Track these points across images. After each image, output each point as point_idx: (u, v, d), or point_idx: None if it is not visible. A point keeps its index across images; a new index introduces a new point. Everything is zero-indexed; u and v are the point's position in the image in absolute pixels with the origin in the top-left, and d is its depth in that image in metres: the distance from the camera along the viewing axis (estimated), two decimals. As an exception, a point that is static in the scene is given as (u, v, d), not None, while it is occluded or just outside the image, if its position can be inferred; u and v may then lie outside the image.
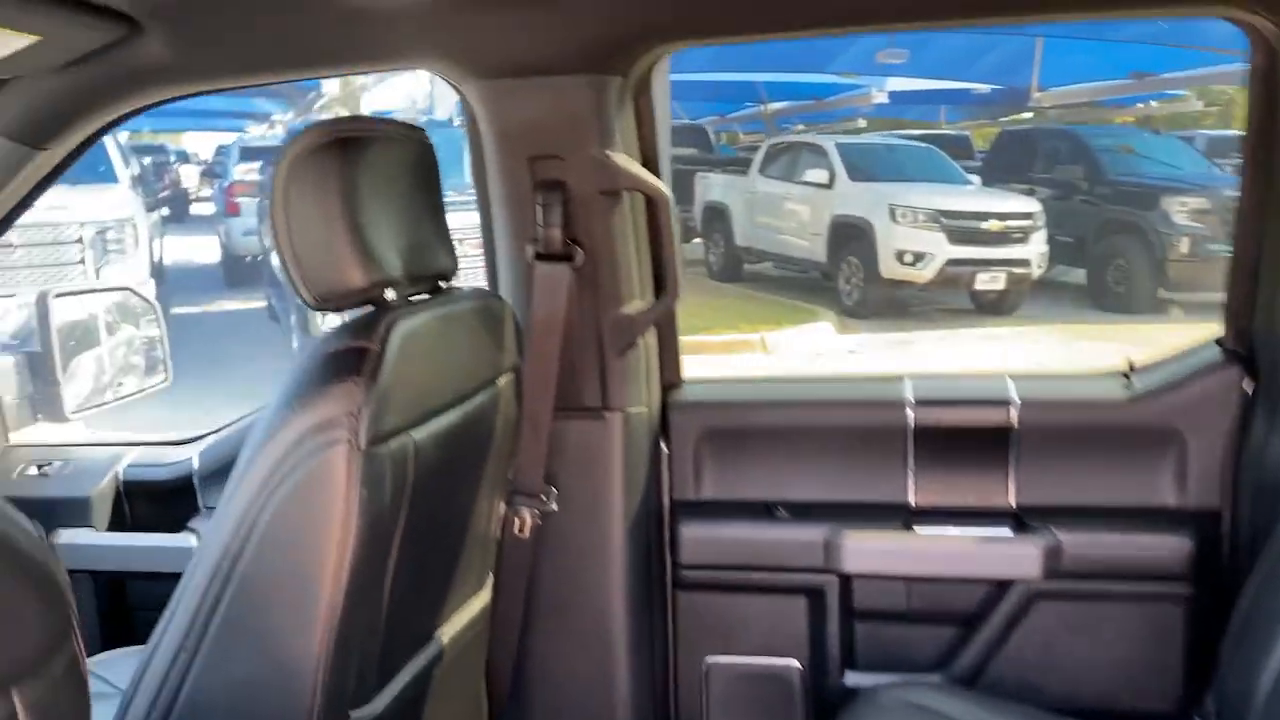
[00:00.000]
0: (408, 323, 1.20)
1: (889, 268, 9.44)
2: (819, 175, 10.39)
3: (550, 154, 1.56)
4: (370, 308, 1.24)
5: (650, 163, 1.66)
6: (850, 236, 9.77)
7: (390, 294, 1.24)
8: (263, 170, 10.21)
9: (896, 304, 9.64)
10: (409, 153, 1.32)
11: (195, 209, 18.16)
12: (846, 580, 1.70)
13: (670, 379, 1.78)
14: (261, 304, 9.62)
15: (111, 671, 1.67)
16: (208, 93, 1.69)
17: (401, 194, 1.28)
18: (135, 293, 2.20)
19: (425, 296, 1.35)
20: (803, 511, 1.72)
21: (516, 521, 1.62)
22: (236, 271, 11.10)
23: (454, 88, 1.61)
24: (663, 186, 1.61)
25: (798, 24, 1.55)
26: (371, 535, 1.14)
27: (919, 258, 9.33)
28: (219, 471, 1.87)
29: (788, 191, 10.78)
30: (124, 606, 1.90)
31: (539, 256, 1.59)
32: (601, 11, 1.46)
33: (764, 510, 1.73)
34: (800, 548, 1.68)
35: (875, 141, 11.45)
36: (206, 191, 17.84)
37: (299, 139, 1.18)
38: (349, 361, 1.13)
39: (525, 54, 1.51)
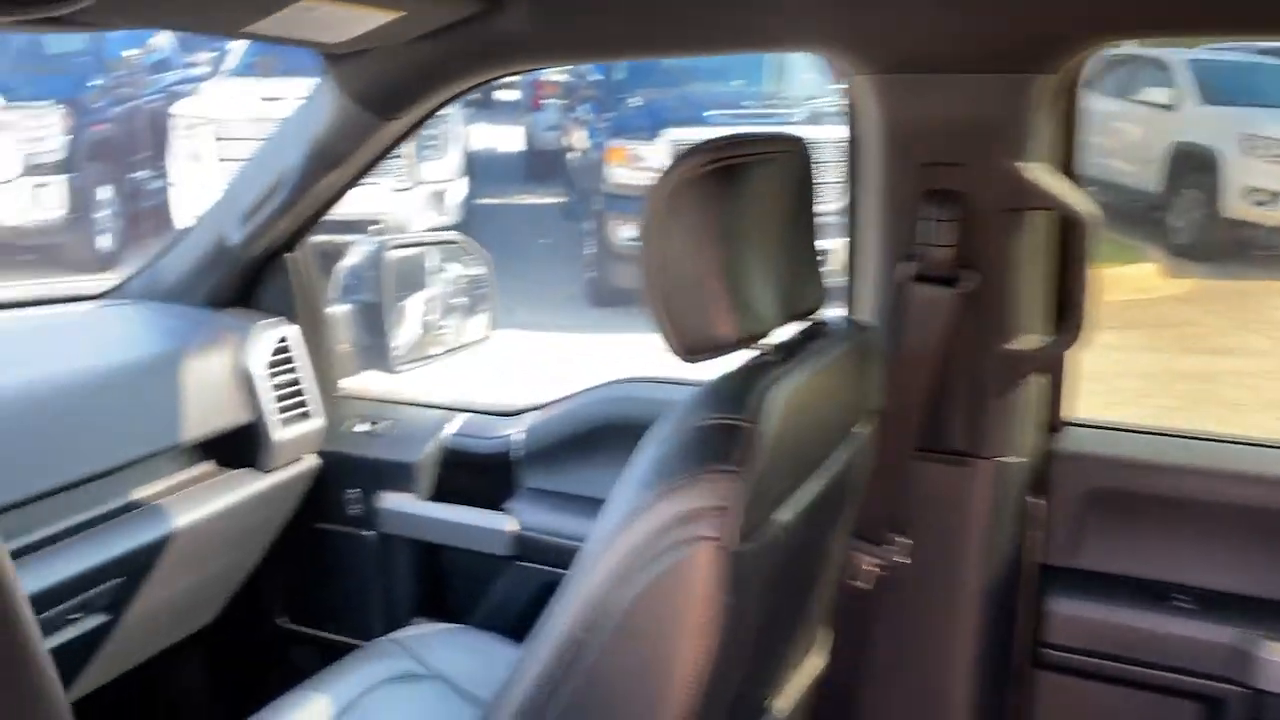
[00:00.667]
0: (784, 386, 1.01)
1: (1234, 205, 8.32)
2: (1161, 94, 9.24)
3: (949, 161, 1.31)
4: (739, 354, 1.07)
5: (1071, 174, 1.37)
6: (1191, 167, 8.68)
7: (764, 343, 1.07)
8: (571, 72, 10.26)
9: (1235, 246, 8.51)
10: (789, 171, 1.12)
11: (500, 94, 18.77)
12: (1257, 693, 1.40)
13: (1054, 422, 1.51)
14: (558, 200, 9.83)
15: (425, 649, 1.65)
16: (557, 66, 1.55)
17: (780, 225, 1.09)
18: (465, 241, 2.15)
19: (797, 335, 1.16)
20: (1208, 602, 1.42)
21: (859, 570, 1.44)
22: (538, 165, 11.35)
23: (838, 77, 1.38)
24: (1087, 206, 1.32)
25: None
26: (729, 635, 0.99)
27: (1274, 197, 8.17)
28: (541, 452, 1.79)
29: (1120, 110, 9.68)
30: (437, 577, 1.89)
31: (919, 278, 1.36)
32: (1034, 1, 1.18)
33: (1157, 593, 1.45)
34: (1201, 649, 1.40)
35: (1234, 60, 10.03)
36: (509, 80, 18.31)
37: (676, 167, 1.00)
38: (720, 442, 0.96)
39: (934, 48, 1.25)
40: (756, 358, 1.07)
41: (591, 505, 1.75)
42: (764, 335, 1.07)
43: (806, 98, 7.29)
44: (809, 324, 1.18)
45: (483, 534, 1.77)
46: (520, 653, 1.63)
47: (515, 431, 1.83)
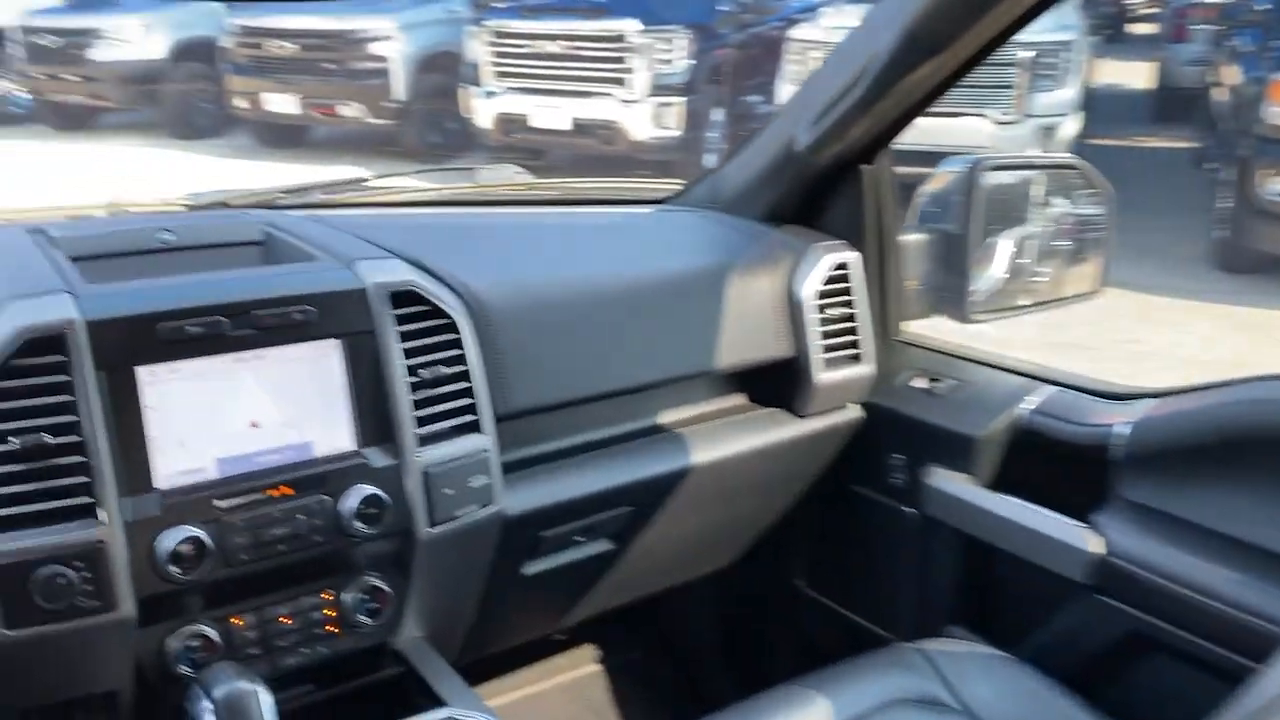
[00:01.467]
0: None
1: None
2: None
3: None
4: None
5: None
6: None
7: None
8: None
9: None
10: None
11: (1131, 28, 16.86)
12: None
13: None
14: (1188, 144, 8.53)
15: (958, 673, 1.32)
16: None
17: None
18: (1085, 169, 1.70)
19: None
20: None
21: None
22: (1168, 104, 9.96)
23: None
24: None
25: None
26: None
27: None
28: (1153, 456, 1.32)
29: None
30: (985, 583, 1.52)
31: None
32: None
33: None
34: None
35: None
36: (1147, 11, 16.33)
37: None
38: None
39: None
40: None
41: (1220, 544, 1.25)
42: None
43: None
44: None
45: (1055, 547, 1.36)
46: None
47: (1120, 421, 1.37)
